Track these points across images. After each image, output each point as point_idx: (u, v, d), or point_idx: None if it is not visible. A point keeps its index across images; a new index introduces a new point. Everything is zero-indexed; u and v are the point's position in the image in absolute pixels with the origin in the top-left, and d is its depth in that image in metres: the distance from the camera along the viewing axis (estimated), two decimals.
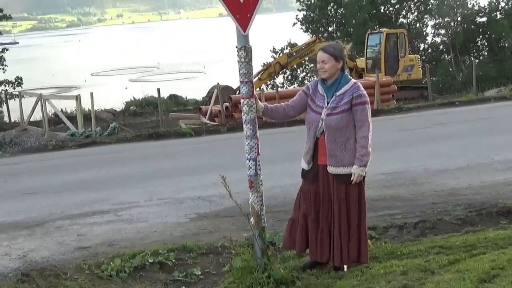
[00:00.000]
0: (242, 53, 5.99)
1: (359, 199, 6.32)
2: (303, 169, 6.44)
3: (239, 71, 6.03)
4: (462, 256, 6.29)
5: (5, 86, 37.21)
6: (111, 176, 13.49)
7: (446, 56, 49.63)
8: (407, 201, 9.75)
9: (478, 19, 49.42)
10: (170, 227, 9.30)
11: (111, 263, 7.59)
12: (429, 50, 50.08)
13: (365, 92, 6.16)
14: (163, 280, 7.28)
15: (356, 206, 6.27)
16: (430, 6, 48.63)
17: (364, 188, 6.40)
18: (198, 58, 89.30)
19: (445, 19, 48.87)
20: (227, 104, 26.99)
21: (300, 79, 49.02)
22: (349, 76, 6.25)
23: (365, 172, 6.24)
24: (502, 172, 11.18)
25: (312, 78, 48.05)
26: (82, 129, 22.79)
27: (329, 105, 6.15)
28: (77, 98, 23.62)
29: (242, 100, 6.08)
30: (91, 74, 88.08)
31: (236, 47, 6.04)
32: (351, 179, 6.17)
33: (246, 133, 5.97)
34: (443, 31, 49.62)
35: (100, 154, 17.60)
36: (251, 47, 6.04)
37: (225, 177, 5.84)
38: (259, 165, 6.04)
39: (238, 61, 6.04)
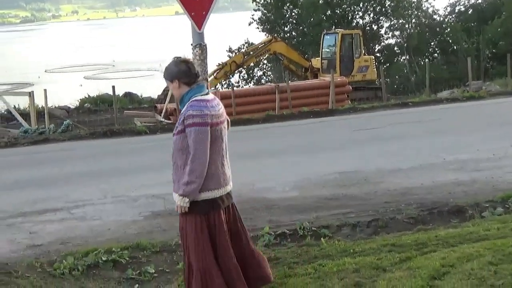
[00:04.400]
0: (197, 51, 6.01)
1: (187, 234, 5.42)
2: None
3: None
4: (413, 254, 6.40)
5: None
6: (65, 173, 13.35)
7: (400, 58, 50.15)
8: (360, 200, 9.86)
9: (432, 22, 50.11)
10: (124, 225, 9.27)
11: (64, 261, 7.54)
12: (384, 52, 50.52)
13: (196, 113, 5.16)
14: (117, 278, 7.25)
15: (187, 240, 5.46)
16: (386, 7, 49.02)
17: (196, 225, 5.33)
18: (154, 56, 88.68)
19: (400, 21, 49.38)
20: None
21: (256, 78, 49.03)
22: (195, 94, 5.30)
23: (189, 204, 5.27)
24: (453, 172, 11.35)
25: (268, 78, 48.22)
26: (36, 126, 22.49)
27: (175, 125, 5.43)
28: (30, 94, 23.33)
29: None
30: (45, 71, 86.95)
31: (191, 44, 6.04)
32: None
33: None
34: (398, 33, 50.09)
35: (54, 152, 17.39)
36: (206, 45, 6.06)
37: None
38: None
39: (193, 58, 6.04)
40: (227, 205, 5.45)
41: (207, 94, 5.35)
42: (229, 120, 5.58)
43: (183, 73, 5.29)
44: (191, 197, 5.20)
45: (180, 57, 5.38)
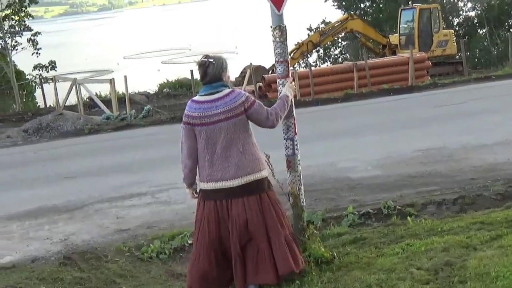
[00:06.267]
0: (277, 33, 5.96)
1: None
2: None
3: (274, 50, 6.00)
4: (504, 231, 6.22)
5: (39, 70, 37.49)
6: (148, 158, 13.56)
7: (480, 30, 48.90)
8: (445, 177, 9.66)
9: None
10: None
11: (151, 245, 7.65)
12: (463, 25, 49.36)
13: (185, 112, 5.69)
14: None
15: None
16: None
17: (197, 210, 5.83)
18: (230, 38, 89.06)
19: None
20: (260, 84, 26.97)
21: (333, 56, 48.70)
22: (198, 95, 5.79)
23: (188, 190, 5.96)
24: None
25: (345, 56, 47.83)
26: (117, 112, 22.93)
27: None
28: (111, 81, 23.75)
29: (277, 80, 6.06)
30: (124, 57, 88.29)
31: (271, 26, 6.01)
32: None
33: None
34: (478, 5, 48.82)
35: (136, 137, 17.70)
36: (285, 26, 6.01)
37: (269, 156, 5.81)
38: (296, 145, 6.02)
39: (273, 40, 6.01)
40: (229, 199, 5.59)
41: (209, 94, 5.58)
42: (236, 120, 5.54)
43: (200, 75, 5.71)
44: (185, 182, 5.85)
45: (201, 59, 5.66)
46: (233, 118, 5.50)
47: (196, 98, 5.68)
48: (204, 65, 5.58)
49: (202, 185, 5.68)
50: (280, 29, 5.95)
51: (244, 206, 5.54)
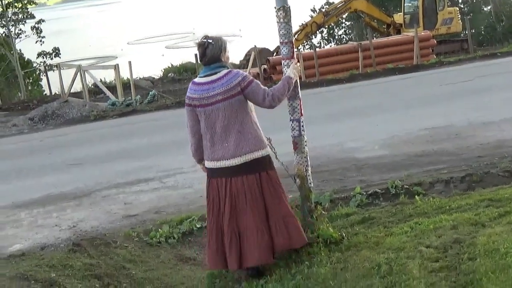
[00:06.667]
0: (281, 14, 5.92)
1: None
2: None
3: (279, 32, 5.96)
4: None
5: (43, 57, 37.50)
6: (154, 143, 13.56)
7: (485, 7, 48.63)
8: (452, 155, 9.64)
9: None
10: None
11: (159, 230, 7.69)
12: (468, 2, 49.09)
13: (187, 94, 5.83)
14: None
15: None
16: None
17: (207, 186, 5.90)
18: (233, 21, 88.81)
19: None
20: (265, 66, 26.92)
21: (337, 37, 48.54)
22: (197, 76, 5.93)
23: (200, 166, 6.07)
24: None
25: (349, 36, 47.65)
26: (122, 98, 22.93)
27: None
28: (116, 67, 23.74)
29: (282, 61, 6.02)
30: (127, 43, 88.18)
31: (275, 7, 5.97)
32: None
33: (288, 94, 5.90)
34: None
35: (142, 122, 17.71)
36: (289, 7, 5.96)
37: (271, 139, 5.81)
38: (302, 126, 5.99)
39: (277, 22, 5.97)
40: (228, 177, 5.65)
41: (208, 75, 5.64)
42: (234, 100, 5.57)
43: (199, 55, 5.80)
44: (194, 159, 6.00)
45: (200, 40, 5.73)
46: (230, 99, 5.55)
47: (196, 79, 5.76)
48: (203, 46, 5.64)
49: (206, 164, 5.78)
50: (284, 10, 5.91)
51: (244, 184, 5.60)
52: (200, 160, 5.91)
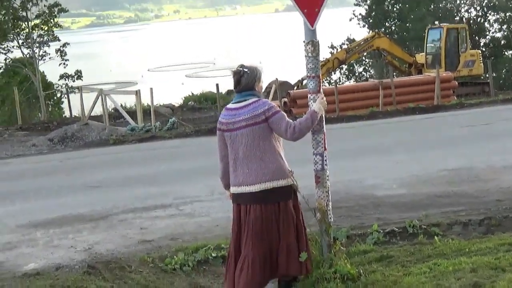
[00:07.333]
0: (309, 48, 5.97)
1: None
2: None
3: (306, 65, 6.01)
4: None
5: (65, 79, 37.84)
6: (172, 170, 13.58)
7: (507, 51, 48.66)
8: (471, 198, 9.56)
9: None
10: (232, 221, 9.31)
11: (175, 256, 7.65)
12: (490, 45, 49.12)
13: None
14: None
15: None
16: (494, 0, 47.63)
17: (232, 212, 6.09)
18: (255, 54, 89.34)
19: (508, 14, 47.88)
20: (285, 99, 26.99)
21: (357, 74, 48.69)
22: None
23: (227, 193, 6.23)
24: None
25: (369, 73, 47.79)
26: (142, 123, 23.02)
27: None
28: (137, 93, 23.87)
29: (309, 95, 6.06)
30: (148, 70, 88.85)
31: (304, 41, 6.02)
32: None
33: (313, 128, 5.93)
34: (505, 26, 48.59)
35: (160, 149, 17.75)
36: (318, 41, 6.02)
37: (293, 172, 5.82)
38: (326, 160, 6.01)
39: (305, 55, 6.02)
40: (248, 204, 5.76)
41: (238, 102, 5.80)
42: (257, 127, 5.69)
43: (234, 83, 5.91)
44: (222, 183, 6.14)
45: (236, 68, 5.88)
46: (253, 126, 5.67)
47: (229, 105, 5.91)
48: (238, 74, 5.77)
49: (231, 189, 5.94)
50: (313, 44, 5.96)
51: (262, 212, 5.69)
52: (227, 186, 6.04)
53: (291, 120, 5.75)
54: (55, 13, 36.67)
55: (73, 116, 30.74)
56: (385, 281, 5.77)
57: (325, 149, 6.01)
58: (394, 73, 34.05)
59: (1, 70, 38.92)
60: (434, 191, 10.13)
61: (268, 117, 5.67)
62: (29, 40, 35.99)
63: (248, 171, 5.71)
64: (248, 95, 5.76)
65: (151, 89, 24.33)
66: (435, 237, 7.43)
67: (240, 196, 5.81)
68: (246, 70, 5.76)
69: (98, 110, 27.66)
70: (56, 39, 37.44)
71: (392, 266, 6.36)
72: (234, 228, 5.93)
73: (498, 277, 5.49)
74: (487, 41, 49.63)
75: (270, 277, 5.83)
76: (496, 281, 5.36)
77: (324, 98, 6.08)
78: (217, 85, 27.20)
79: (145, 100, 26.62)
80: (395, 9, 50.23)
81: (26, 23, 35.83)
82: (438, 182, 10.66)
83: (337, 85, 30.31)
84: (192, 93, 38.04)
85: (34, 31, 36.23)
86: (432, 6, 47.96)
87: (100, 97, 25.07)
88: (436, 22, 40.21)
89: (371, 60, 47.65)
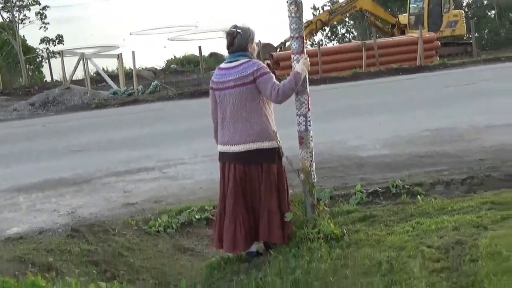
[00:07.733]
0: (293, 8, 5.90)
1: None
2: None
3: (290, 26, 5.94)
4: None
5: (46, 44, 37.47)
6: (155, 133, 13.54)
7: (489, 12, 48.63)
8: (454, 157, 9.58)
9: None
10: (215, 183, 9.28)
11: (158, 219, 7.65)
12: (472, 5, 49.08)
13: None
14: (210, 235, 7.26)
15: None
16: None
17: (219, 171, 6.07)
18: (238, 15, 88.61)
19: None
20: (269, 61, 26.74)
21: (340, 35, 48.53)
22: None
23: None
24: None
25: (351, 35, 47.66)
26: (124, 87, 22.89)
27: None
28: (119, 56, 23.70)
29: (292, 56, 6.00)
30: (130, 34, 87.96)
31: (287, 1, 5.94)
32: None
33: (297, 89, 5.88)
34: None
35: (143, 112, 17.69)
36: (301, 1, 5.95)
37: (276, 132, 5.80)
38: (309, 121, 5.97)
39: (288, 16, 5.94)
40: (232, 163, 5.80)
41: (230, 62, 5.82)
42: (244, 88, 5.72)
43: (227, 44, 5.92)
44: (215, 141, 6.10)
45: (229, 29, 5.89)
46: (241, 86, 5.69)
47: (221, 65, 5.94)
48: (231, 35, 5.80)
49: (218, 147, 6.00)
50: (296, 4, 5.89)
51: (245, 173, 5.74)
52: None
53: (277, 82, 5.71)
54: None
55: (54, 80, 30.52)
56: (369, 240, 5.77)
57: (308, 110, 5.97)
58: (377, 34, 33.97)
59: None
60: (417, 151, 10.15)
61: (256, 77, 5.68)
62: (9, 4, 35.50)
63: (233, 131, 5.75)
64: (240, 55, 5.78)
65: (133, 52, 24.15)
66: (418, 197, 7.44)
67: (225, 154, 5.84)
68: (239, 31, 5.77)
69: (80, 74, 27.48)
70: (36, 2, 37.02)
71: (375, 225, 6.36)
72: (221, 185, 5.96)
73: (480, 234, 5.50)
74: (470, 1, 49.58)
75: (255, 238, 5.89)
76: (478, 239, 5.37)
77: (308, 59, 6.02)
78: (199, 47, 27.02)
79: (127, 64, 26.46)
80: None
81: None
82: (421, 142, 10.68)
83: (320, 46, 30.09)
84: (175, 56, 37.89)
85: None
86: None
87: (81, 61, 24.85)
88: None
89: (354, 22, 47.48)
